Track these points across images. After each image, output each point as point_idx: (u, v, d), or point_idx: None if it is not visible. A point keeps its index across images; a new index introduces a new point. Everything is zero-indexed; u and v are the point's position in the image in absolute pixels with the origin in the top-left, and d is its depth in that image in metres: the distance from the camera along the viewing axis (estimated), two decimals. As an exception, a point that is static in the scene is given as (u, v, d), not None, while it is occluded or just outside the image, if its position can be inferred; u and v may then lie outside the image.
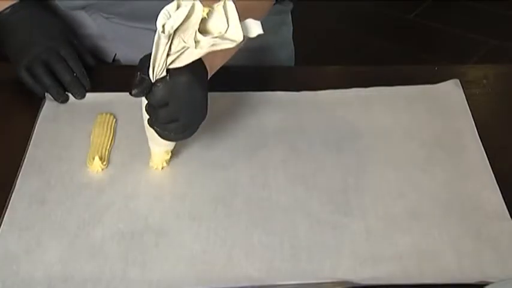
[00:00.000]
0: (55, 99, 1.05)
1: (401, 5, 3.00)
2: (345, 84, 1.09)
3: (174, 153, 0.96)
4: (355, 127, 1.02)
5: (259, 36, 0.79)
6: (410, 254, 0.83)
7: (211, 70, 0.90)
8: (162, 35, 0.76)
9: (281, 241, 0.85)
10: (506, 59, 2.64)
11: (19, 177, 0.92)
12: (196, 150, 0.97)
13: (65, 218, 0.87)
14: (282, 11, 1.25)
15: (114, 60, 1.23)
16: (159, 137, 0.88)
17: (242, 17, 0.78)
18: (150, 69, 0.81)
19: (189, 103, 0.85)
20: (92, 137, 0.98)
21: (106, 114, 1.02)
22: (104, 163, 0.94)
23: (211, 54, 0.82)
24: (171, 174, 0.94)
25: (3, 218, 0.87)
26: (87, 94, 1.06)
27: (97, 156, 0.94)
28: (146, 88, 0.83)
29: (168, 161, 0.95)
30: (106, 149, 0.97)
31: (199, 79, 0.85)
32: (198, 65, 0.83)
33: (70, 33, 1.13)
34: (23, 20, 1.10)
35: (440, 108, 1.05)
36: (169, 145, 0.93)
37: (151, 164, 0.94)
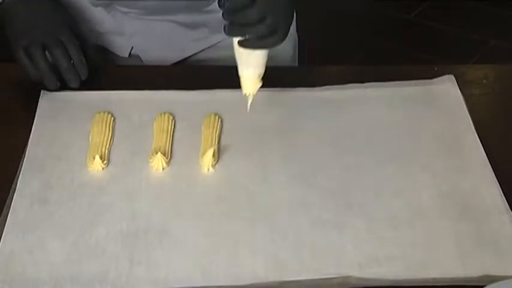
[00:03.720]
0: (47, 86, 1.04)
1: (401, 5, 3.00)
2: (344, 84, 1.09)
3: (174, 154, 0.96)
4: (354, 125, 1.02)
5: None
6: (412, 250, 0.84)
7: None
8: None
9: (285, 237, 0.85)
10: (506, 59, 2.64)
11: (19, 177, 0.92)
12: (197, 149, 0.97)
13: (68, 218, 0.87)
14: None
15: (130, 55, 1.23)
16: (249, 57, 0.88)
17: None
18: None
19: (275, 1, 0.86)
20: (91, 136, 0.98)
21: (104, 112, 1.02)
22: (104, 162, 0.94)
23: None
24: (171, 172, 0.94)
25: (6, 219, 0.87)
26: (84, 92, 1.06)
27: (97, 155, 0.94)
28: None
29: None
30: (106, 148, 0.97)
31: None
32: None
33: (73, 23, 1.12)
34: (28, 6, 1.09)
35: (437, 105, 1.05)
36: (259, 67, 0.92)
37: (244, 91, 0.94)
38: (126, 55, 1.24)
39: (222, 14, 0.88)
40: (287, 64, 1.27)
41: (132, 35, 1.21)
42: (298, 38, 1.31)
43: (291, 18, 0.89)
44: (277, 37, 0.90)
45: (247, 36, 0.89)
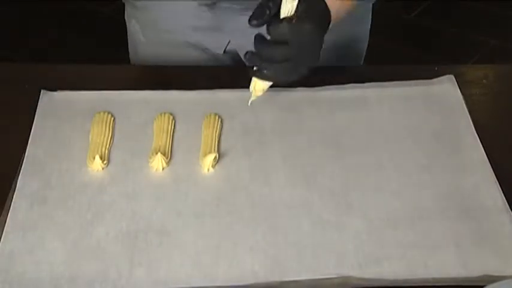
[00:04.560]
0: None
1: (401, 5, 3.00)
2: (344, 84, 1.08)
3: (173, 154, 0.96)
4: (354, 125, 1.02)
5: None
6: (413, 249, 0.84)
7: (336, 19, 0.94)
8: None
9: (285, 238, 0.85)
10: (506, 59, 2.64)
11: (19, 177, 0.92)
12: (196, 149, 0.97)
13: (68, 218, 0.87)
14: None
15: (225, 51, 1.21)
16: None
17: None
18: (282, 7, 0.87)
19: (307, 48, 0.89)
20: (90, 136, 0.98)
21: (104, 113, 1.02)
22: (104, 162, 0.94)
23: (338, 3, 0.92)
24: (171, 172, 0.94)
25: (6, 219, 0.87)
26: (84, 92, 1.06)
27: (97, 155, 0.94)
28: (265, 21, 0.87)
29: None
30: (106, 148, 0.97)
31: (321, 27, 0.91)
32: (324, 12, 0.91)
33: None
34: None
35: (437, 105, 1.05)
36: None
37: (252, 92, 0.96)
38: (221, 52, 1.21)
39: (255, 38, 0.89)
40: None
41: (231, 31, 1.18)
42: None
43: (317, 61, 0.92)
44: (291, 77, 0.93)
45: (264, 71, 0.91)
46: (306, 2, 0.88)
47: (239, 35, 1.16)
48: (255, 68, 0.92)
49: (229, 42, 1.19)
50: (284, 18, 0.88)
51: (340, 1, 0.95)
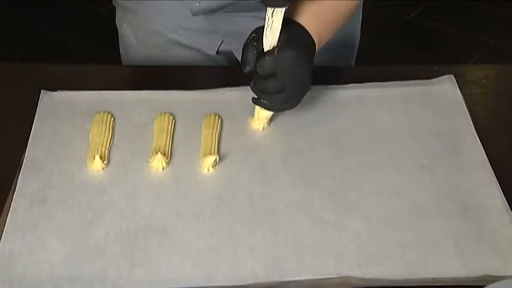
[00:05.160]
0: None
1: (401, 5, 3.00)
2: (344, 84, 1.08)
3: (173, 154, 0.96)
4: (354, 125, 1.02)
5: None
6: (413, 249, 0.84)
7: (320, 44, 0.95)
8: (279, 10, 0.86)
9: (285, 238, 0.85)
10: (506, 59, 2.64)
11: (19, 177, 0.92)
12: (196, 149, 0.97)
13: (68, 218, 0.87)
14: None
15: (218, 51, 1.21)
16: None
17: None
18: (264, 42, 0.90)
19: (295, 75, 0.91)
20: (90, 136, 0.98)
21: (104, 113, 1.02)
22: (104, 162, 0.94)
23: (320, 28, 0.92)
24: (171, 172, 0.94)
25: (6, 219, 0.87)
26: (84, 92, 1.06)
27: (97, 155, 0.94)
28: (254, 63, 0.90)
29: (269, 122, 0.99)
30: (106, 148, 0.97)
31: (306, 53, 0.92)
32: (305, 39, 0.92)
33: None
34: None
35: (437, 105, 1.05)
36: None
37: (253, 123, 0.99)
38: (214, 52, 1.21)
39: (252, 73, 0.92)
40: None
41: (224, 32, 1.18)
42: None
43: (308, 88, 0.95)
44: (290, 105, 0.95)
45: (262, 100, 0.94)
46: (286, 32, 0.90)
47: (232, 36, 1.17)
48: (256, 96, 0.95)
49: (222, 43, 1.19)
50: (267, 52, 0.90)
51: (322, 24, 0.95)
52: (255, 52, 0.91)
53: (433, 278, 0.81)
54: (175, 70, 1.16)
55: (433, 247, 0.84)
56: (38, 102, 1.04)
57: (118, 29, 1.27)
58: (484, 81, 1.14)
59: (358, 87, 1.08)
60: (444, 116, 1.04)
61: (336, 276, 0.81)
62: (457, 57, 2.65)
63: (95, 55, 2.49)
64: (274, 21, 0.88)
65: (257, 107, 0.97)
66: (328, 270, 0.81)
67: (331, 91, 1.07)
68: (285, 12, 0.88)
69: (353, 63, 1.30)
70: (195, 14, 1.15)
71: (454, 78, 1.09)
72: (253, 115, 1.00)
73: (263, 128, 1.00)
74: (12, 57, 2.52)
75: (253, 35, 0.92)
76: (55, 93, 1.06)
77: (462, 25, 2.88)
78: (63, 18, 2.91)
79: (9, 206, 0.88)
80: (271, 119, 1.00)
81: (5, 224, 0.86)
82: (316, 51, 0.95)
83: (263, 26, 0.90)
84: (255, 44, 0.91)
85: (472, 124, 1.01)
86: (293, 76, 0.91)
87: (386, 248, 0.84)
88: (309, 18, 0.93)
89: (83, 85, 1.08)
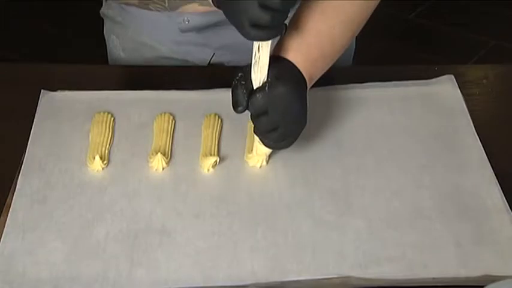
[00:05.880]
0: None
1: (401, 5, 3.00)
2: (344, 84, 1.09)
3: (173, 154, 0.96)
4: (354, 125, 1.02)
5: None
6: (413, 249, 0.84)
7: (311, 81, 0.91)
8: (264, 44, 0.83)
9: (285, 238, 0.85)
10: (506, 59, 2.64)
11: (19, 177, 0.92)
12: (196, 149, 0.97)
13: (68, 218, 0.87)
14: None
15: (210, 63, 1.19)
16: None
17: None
18: (252, 78, 0.86)
19: (288, 113, 0.87)
20: (90, 136, 0.99)
21: (104, 113, 1.02)
22: (104, 162, 0.94)
23: (310, 65, 0.88)
24: (171, 172, 0.94)
25: (6, 219, 0.87)
26: (84, 92, 1.06)
27: (97, 155, 0.94)
28: (246, 102, 0.87)
29: (267, 160, 0.95)
30: (106, 148, 0.97)
31: (297, 89, 0.88)
32: (296, 75, 0.87)
33: None
34: None
35: (437, 105, 1.05)
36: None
37: (250, 159, 0.95)
38: (205, 64, 1.19)
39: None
40: None
41: (215, 44, 1.17)
42: None
43: (303, 125, 0.90)
44: (285, 144, 0.91)
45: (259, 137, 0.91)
46: (275, 66, 0.87)
47: (224, 49, 1.16)
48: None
49: (213, 55, 1.19)
50: (257, 89, 0.87)
51: (311, 62, 0.90)
52: (244, 91, 0.87)
53: (433, 278, 0.81)
54: (175, 70, 1.16)
55: (433, 247, 0.84)
56: (38, 102, 1.04)
57: (106, 42, 1.25)
58: (484, 81, 1.14)
59: (358, 87, 1.08)
60: (444, 115, 1.04)
61: (336, 276, 0.81)
62: (457, 57, 2.65)
63: (95, 55, 2.49)
64: (261, 56, 0.85)
65: (256, 142, 0.93)
66: (328, 270, 0.81)
67: (331, 91, 1.07)
68: (271, 48, 0.85)
69: (351, 63, 1.30)
70: (184, 31, 1.14)
71: (454, 78, 1.09)
72: (250, 150, 0.96)
73: (260, 166, 0.95)
74: (12, 57, 2.52)
75: (240, 74, 0.88)
76: (55, 93, 1.06)
77: (462, 25, 2.89)
78: (64, 18, 2.91)
79: (9, 206, 0.88)
80: (270, 156, 0.96)
81: (5, 224, 0.86)
82: (308, 88, 0.91)
83: (249, 65, 0.86)
84: (243, 82, 0.87)
85: (472, 124, 1.01)
86: (286, 112, 0.87)
87: (386, 248, 0.84)
88: (296, 55, 0.89)
89: (83, 85, 1.08)
